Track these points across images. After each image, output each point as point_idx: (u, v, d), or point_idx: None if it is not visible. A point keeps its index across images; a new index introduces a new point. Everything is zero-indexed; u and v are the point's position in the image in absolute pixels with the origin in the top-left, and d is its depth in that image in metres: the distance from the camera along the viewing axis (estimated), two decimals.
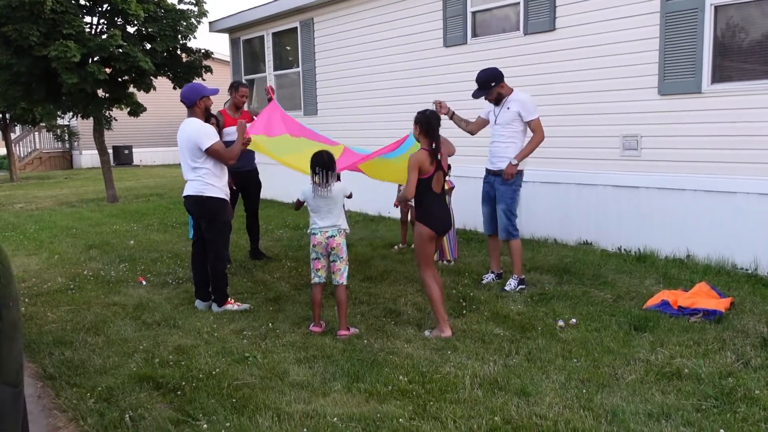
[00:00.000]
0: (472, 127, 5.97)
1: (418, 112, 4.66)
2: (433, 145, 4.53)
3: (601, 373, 3.82)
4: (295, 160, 5.67)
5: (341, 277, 4.78)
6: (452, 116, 5.85)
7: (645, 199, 6.70)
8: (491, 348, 4.31)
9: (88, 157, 26.72)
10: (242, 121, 5.63)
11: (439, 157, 4.55)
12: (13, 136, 23.92)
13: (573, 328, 4.63)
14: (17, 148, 26.65)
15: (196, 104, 5.36)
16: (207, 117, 5.54)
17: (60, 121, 24.24)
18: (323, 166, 4.67)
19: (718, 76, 6.11)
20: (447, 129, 4.81)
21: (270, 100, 6.65)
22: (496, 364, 4.01)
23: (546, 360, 4.06)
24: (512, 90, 5.69)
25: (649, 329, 4.50)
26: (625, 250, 6.86)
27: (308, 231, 4.90)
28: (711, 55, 6.10)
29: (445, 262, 6.80)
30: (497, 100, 5.71)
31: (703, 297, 4.96)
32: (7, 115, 20.92)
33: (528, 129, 5.66)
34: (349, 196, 4.93)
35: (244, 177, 7.06)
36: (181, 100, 5.39)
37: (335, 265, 4.81)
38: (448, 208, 4.69)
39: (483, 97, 5.75)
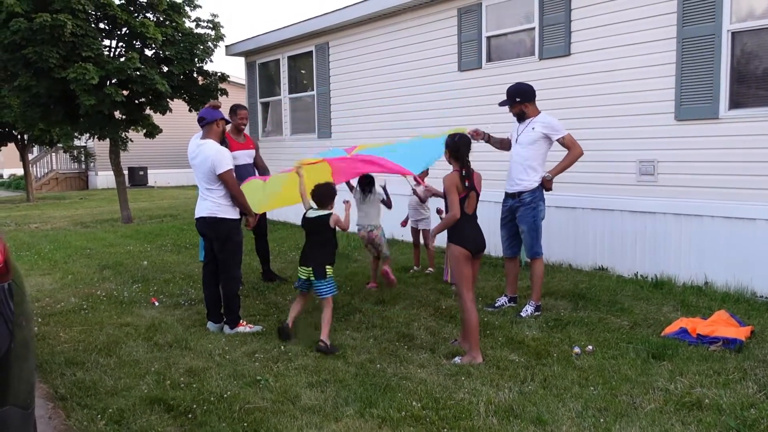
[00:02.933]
0: (505, 146, 5.99)
1: (448, 136, 4.76)
2: (463, 171, 4.59)
3: (618, 401, 3.74)
4: (287, 191, 5.98)
5: (385, 263, 6.62)
6: (489, 139, 5.91)
7: (662, 225, 6.63)
8: (506, 374, 4.24)
9: (103, 177, 26.98)
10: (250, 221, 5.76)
11: (467, 182, 4.57)
12: (30, 156, 24.22)
13: (589, 355, 4.55)
14: (34, 169, 26.99)
15: (216, 123, 5.39)
16: (221, 141, 5.56)
17: (77, 142, 24.53)
18: (369, 182, 6.66)
19: (736, 102, 6.08)
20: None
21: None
22: (511, 391, 3.94)
23: (562, 387, 3.98)
24: (539, 112, 5.68)
25: (668, 357, 4.41)
26: (641, 276, 6.78)
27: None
28: (728, 81, 6.07)
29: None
30: (519, 117, 5.71)
31: (722, 325, 4.86)
32: (26, 136, 21.20)
33: (548, 152, 5.64)
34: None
35: None
36: (200, 118, 5.42)
37: (382, 254, 6.72)
38: (479, 228, 4.69)
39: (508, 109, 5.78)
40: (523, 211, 5.66)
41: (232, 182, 5.30)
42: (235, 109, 7.14)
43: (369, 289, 6.75)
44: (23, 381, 2.52)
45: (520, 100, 5.64)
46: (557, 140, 5.58)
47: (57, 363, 4.73)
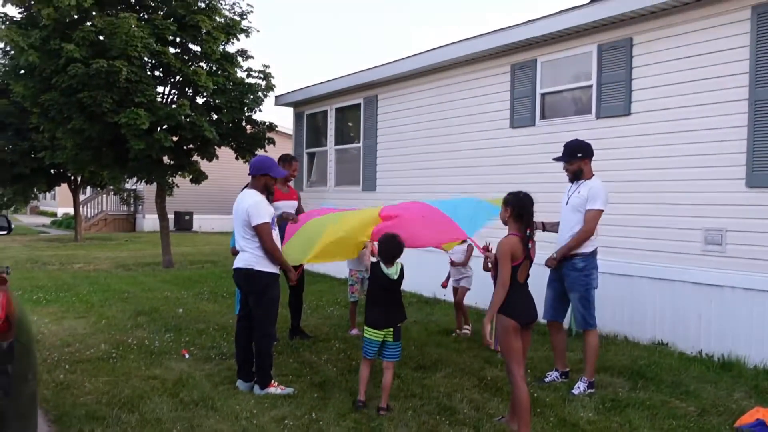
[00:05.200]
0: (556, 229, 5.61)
1: (510, 194, 4.31)
2: (528, 231, 4.17)
3: None
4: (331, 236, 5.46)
5: None
6: (544, 228, 5.49)
7: (730, 300, 6.10)
8: None
9: (150, 221, 27.30)
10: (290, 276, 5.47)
11: (530, 245, 4.18)
12: (81, 197, 24.74)
13: None
14: (84, 209, 27.55)
15: (257, 178, 5.27)
16: (267, 195, 5.35)
17: (127, 185, 25.00)
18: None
19: None
20: None
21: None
22: None
23: None
24: (593, 175, 5.31)
25: None
26: (706, 354, 6.22)
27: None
28: None
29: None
30: (574, 177, 5.33)
31: None
32: (78, 178, 21.68)
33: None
34: None
35: None
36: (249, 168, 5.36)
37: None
38: (531, 297, 4.28)
39: (563, 165, 5.39)
40: (575, 278, 5.24)
41: (266, 236, 5.09)
42: (290, 160, 7.04)
43: (353, 336, 7.03)
44: None
45: (582, 155, 5.27)
46: (585, 209, 5.15)
47: (77, 416, 4.50)
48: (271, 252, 5.11)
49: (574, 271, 5.25)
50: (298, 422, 4.44)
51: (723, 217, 6.19)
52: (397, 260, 4.82)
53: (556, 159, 5.45)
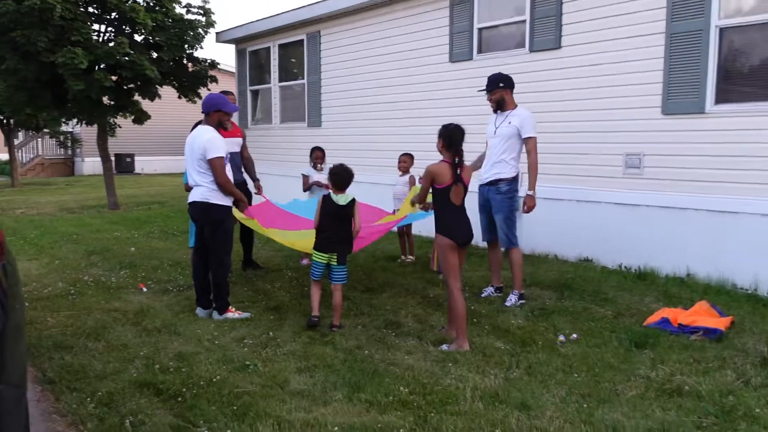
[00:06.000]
0: (482, 161, 6.02)
1: (442, 126, 4.74)
2: (456, 159, 4.59)
3: (601, 388, 3.83)
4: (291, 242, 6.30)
5: None
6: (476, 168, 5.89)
7: (646, 218, 6.73)
8: (492, 361, 4.31)
9: (89, 164, 26.75)
10: (242, 206, 5.78)
11: (459, 171, 4.59)
12: (15, 141, 23.94)
13: (574, 343, 4.64)
14: (20, 154, 26.67)
15: (210, 115, 5.48)
16: (218, 130, 5.58)
17: (64, 128, 24.29)
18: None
19: (722, 97, 6.16)
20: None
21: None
22: (496, 377, 4.01)
23: (546, 374, 4.06)
24: (516, 106, 5.73)
25: (650, 346, 4.50)
26: (625, 267, 6.88)
27: None
28: (715, 77, 6.16)
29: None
30: (498, 105, 5.75)
31: (703, 315, 4.96)
32: (11, 121, 20.97)
33: (524, 148, 5.66)
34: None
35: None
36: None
37: None
38: (467, 219, 4.73)
39: (486, 96, 5.80)
40: (499, 201, 5.71)
41: (220, 169, 5.33)
42: (226, 95, 7.13)
43: (304, 265, 7.42)
44: (17, 361, 2.54)
45: (504, 85, 5.69)
46: (524, 138, 5.61)
47: (45, 347, 4.73)
48: (223, 185, 5.37)
49: (498, 195, 5.72)
50: (256, 341, 4.83)
51: (641, 143, 6.74)
52: (349, 192, 5.15)
53: (482, 89, 5.84)
